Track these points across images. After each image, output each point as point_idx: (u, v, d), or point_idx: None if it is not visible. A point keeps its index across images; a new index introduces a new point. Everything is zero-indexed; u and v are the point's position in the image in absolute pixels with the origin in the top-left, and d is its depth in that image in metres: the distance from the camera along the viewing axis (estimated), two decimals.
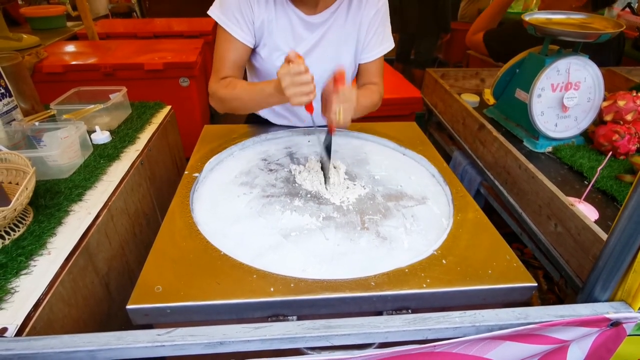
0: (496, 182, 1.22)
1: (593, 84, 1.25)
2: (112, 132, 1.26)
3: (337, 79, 0.92)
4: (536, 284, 0.74)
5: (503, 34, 1.75)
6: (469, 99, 1.60)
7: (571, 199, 0.94)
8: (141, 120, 1.38)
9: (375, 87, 1.21)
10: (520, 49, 1.37)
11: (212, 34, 3.15)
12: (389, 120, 1.46)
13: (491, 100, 1.58)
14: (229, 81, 1.09)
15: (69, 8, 3.28)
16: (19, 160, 0.93)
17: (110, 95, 1.34)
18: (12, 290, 0.72)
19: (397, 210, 0.94)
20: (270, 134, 1.25)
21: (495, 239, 0.85)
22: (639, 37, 2.40)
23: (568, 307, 0.65)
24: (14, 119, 1.16)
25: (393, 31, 1.22)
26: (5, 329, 0.65)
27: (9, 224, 0.83)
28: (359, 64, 1.23)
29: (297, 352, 0.62)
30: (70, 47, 2.60)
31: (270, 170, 1.08)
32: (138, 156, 1.19)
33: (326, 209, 0.93)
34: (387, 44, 1.20)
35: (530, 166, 1.04)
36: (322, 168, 1.02)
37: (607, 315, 0.63)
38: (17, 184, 0.94)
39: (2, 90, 1.13)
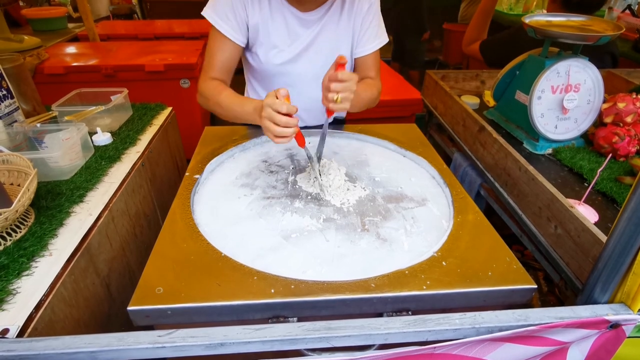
0: (496, 184, 1.22)
1: (593, 86, 1.25)
2: (113, 134, 1.26)
3: (338, 63, 0.91)
4: (536, 286, 0.74)
5: (499, 45, 1.76)
6: (469, 101, 1.60)
7: (571, 201, 0.94)
8: (142, 122, 1.38)
9: (372, 81, 1.23)
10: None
11: None
12: (389, 122, 1.46)
13: (491, 102, 1.58)
14: (216, 84, 1.10)
15: (70, 9, 3.29)
16: (21, 162, 0.93)
17: (111, 97, 1.35)
18: (14, 292, 0.72)
19: (398, 211, 0.94)
20: None
21: (495, 240, 0.85)
22: (639, 39, 2.40)
23: (568, 309, 0.66)
24: (16, 121, 1.17)
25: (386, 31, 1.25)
26: (6, 330, 0.65)
27: (11, 225, 0.83)
28: (355, 59, 1.24)
29: (297, 353, 0.63)
30: (72, 49, 2.60)
31: (271, 171, 1.08)
32: (139, 158, 1.19)
33: (326, 210, 0.93)
34: (382, 38, 1.23)
35: (530, 168, 1.05)
36: (312, 165, 1.02)
37: (607, 317, 0.63)
38: (19, 185, 0.95)
39: (4, 92, 1.13)
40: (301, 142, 0.96)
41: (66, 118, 1.22)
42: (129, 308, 0.66)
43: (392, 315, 0.72)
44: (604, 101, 1.28)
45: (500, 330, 0.62)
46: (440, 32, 4.50)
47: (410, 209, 0.95)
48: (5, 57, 1.21)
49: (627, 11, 2.84)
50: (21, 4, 3.31)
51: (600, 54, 1.68)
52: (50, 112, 1.26)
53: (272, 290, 0.70)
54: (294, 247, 0.82)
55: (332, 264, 0.78)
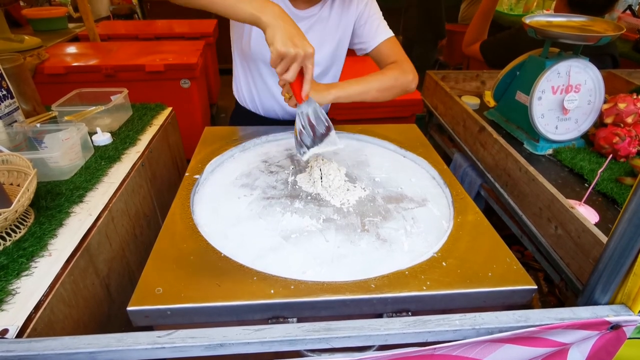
0: (496, 185, 1.22)
1: (594, 87, 1.25)
2: (113, 134, 1.26)
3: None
4: (536, 287, 0.74)
5: (498, 46, 1.77)
6: (470, 101, 1.60)
7: (571, 202, 0.94)
8: (142, 122, 1.38)
9: (392, 65, 1.20)
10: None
11: (212, 36, 3.15)
12: (390, 122, 1.46)
13: (492, 103, 1.58)
14: None
15: (70, 9, 3.29)
16: (20, 162, 0.93)
17: (111, 97, 1.34)
18: (13, 292, 0.72)
19: (398, 212, 0.94)
20: (271, 135, 1.25)
21: (495, 241, 0.85)
22: (639, 40, 2.40)
23: (568, 310, 0.65)
24: (16, 121, 1.16)
25: (395, 34, 1.25)
26: (6, 331, 0.65)
27: (10, 225, 0.83)
28: (369, 53, 1.26)
29: (297, 354, 0.62)
30: (72, 49, 2.60)
31: (271, 172, 1.08)
32: (139, 158, 1.19)
33: (326, 210, 0.93)
34: (386, 30, 1.23)
35: (531, 169, 1.05)
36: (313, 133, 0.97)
37: (607, 318, 0.63)
38: (19, 185, 0.95)
39: (4, 92, 1.13)
40: (299, 97, 0.91)
41: (66, 118, 1.22)
42: (129, 308, 0.66)
43: (392, 316, 0.72)
44: (605, 102, 1.28)
45: (501, 331, 0.62)
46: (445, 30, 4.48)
47: (410, 210, 0.95)
48: (6, 57, 1.21)
49: (628, 11, 2.84)
50: (22, 4, 3.31)
51: (600, 55, 1.68)
52: (50, 112, 1.26)
53: (272, 291, 0.70)
54: (293, 248, 0.82)
55: (332, 264, 0.78)
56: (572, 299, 0.93)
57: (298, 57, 0.82)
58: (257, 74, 1.27)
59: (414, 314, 0.72)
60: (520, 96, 1.32)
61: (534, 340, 0.64)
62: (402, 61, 1.22)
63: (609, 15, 2.88)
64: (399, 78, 1.18)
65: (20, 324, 0.66)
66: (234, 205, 0.94)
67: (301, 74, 0.88)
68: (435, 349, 0.60)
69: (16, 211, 0.80)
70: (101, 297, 0.92)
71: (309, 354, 0.64)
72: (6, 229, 0.82)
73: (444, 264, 0.77)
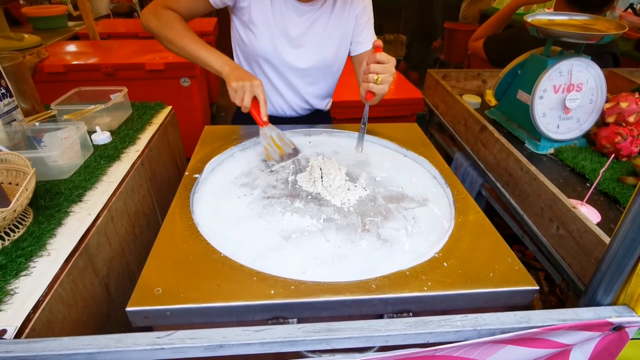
0: (498, 184, 1.21)
1: (595, 86, 1.24)
2: (112, 133, 1.26)
3: (375, 47, 0.97)
4: (538, 287, 0.73)
5: (502, 43, 1.76)
6: (471, 100, 1.59)
7: (573, 202, 0.93)
8: (142, 121, 1.38)
9: None
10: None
11: (213, 34, 3.14)
12: (390, 121, 1.46)
13: (493, 102, 1.57)
14: (179, 17, 1.11)
15: (70, 8, 3.29)
16: (19, 161, 0.93)
17: (111, 96, 1.34)
18: (12, 292, 0.71)
19: (398, 212, 0.94)
20: None
21: (497, 241, 0.84)
22: None
23: (570, 311, 0.65)
24: (15, 119, 1.16)
25: (392, 32, 1.27)
26: (4, 331, 0.64)
27: (9, 225, 0.83)
28: (356, 55, 1.30)
29: (297, 355, 0.62)
30: (72, 47, 2.60)
31: (271, 171, 1.08)
32: (138, 157, 1.18)
33: (327, 210, 0.93)
34: (374, 36, 1.29)
35: (532, 168, 1.04)
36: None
37: (610, 320, 0.63)
38: (17, 184, 0.94)
39: (3, 91, 1.12)
40: (259, 121, 1.06)
41: (65, 117, 1.22)
42: (128, 309, 0.65)
43: (392, 317, 0.72)
44: (607, 101, 1.27)
45: (502, 332, 0.61)
46: (442, 31, 4.49)
47: (411, 209, 0.95)
48: (5, 55, 1.21)
49: (629, 10, 2.82)
50: (21, 2, 3.31)
51: (602, 54, 1.68)
52: (50, 111, 1.26)
53: (272, 291, 0.69)
54: (294, 248, 0.81)
55: (333, 264, 0.78)
56: (573, 298, 0.93)
57: (246, 87, 1.01)
58: (260, 71, 1.27)
59: (415, 314, 0.72)
60: (521, 95, 1.32)
61: (536, 341, 0.63)
62: None
63: (610, 13, 2.87)
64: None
65: (19, 324, 0.66)
66: (233, 205, 0.94)
67: (257, 102, 1.05)
68: (436, 350, 0.59)
69: (15, 211, 0.79)
70: (100, 297, 0.92)
71: (310, 354, 0.63)
72: (5, 228, 0.82)
73: (445, 264, 0.77)
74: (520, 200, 1.10)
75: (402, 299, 0.71)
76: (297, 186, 1.01)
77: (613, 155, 1.10)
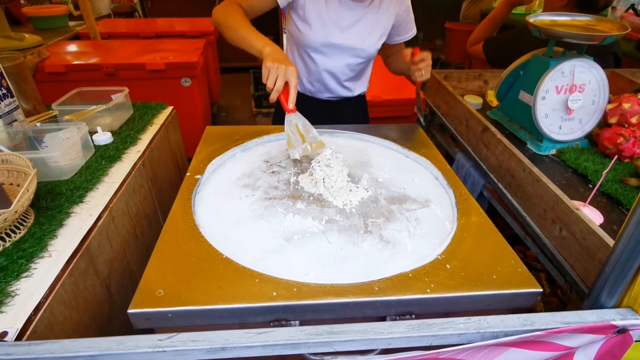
0: (500, 185, 1.21)
1: (598, 87, 1.24)
2: (113, 133, 1.26)
3: (414, 48, 1.27)
4: (541, 290, 0.73)
5: (502, 44, 1.76)
6: (472, 101, 1.59)
7: (576, 203, 0.93)
8: (143, 121, 1.37)
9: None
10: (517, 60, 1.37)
11: (213, 34, 3.14)
12: (391, 121, 1.46)
13: (495, 102, 1.57)
14: (240, 10, 1.20)
15: (71, 7, 3.29)
16: (20, 162, 0.92)
17: (112, 96, 1.34)
18: (13, 294, 0.71)
19: (401, 213, 0.93)
20: (273, 135, 1.24)
21: (499, 243, 0.84)
22: None
23: (574, 313, 0.65)
24: (16, 120, 1.16)
25: None
26: (5, 333, 0.64)
27: (10, 226, 0.82)
28: (393, 44, 1.47)
29: (300, 357, 0.62)
30: (72, 47, 2.60)
31: (273, 172, 1.07)
32: (140, 157, 1.18)
33: (329, 212, 0.92)
34: (413, 30, 1.47)
35: (535, 169, 1.04)
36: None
37: (614, 322, 0.63)
38: (18, 185, 0.94)
39: (4, 91, 1.12)
40: (286, 107, 1.05)
41: (66, 117, 1.21)
42: (129, 311, 0.65)
43: (395, 319, 0.71)
44: (609, 102, 1.27)
45: (506, 335, 0.61)
46: (442, 31, 4.50)
47: (414, 211, 0.94)
48: (6, 55, 1.20)
49: (631, 11, 2.82)
50: (22, 2, 3.30)
51: (603, 54, 1.67)
52: (51, 111, 1.26)
53: (274, 293, 0.69)
54: (296, 249, 0.81)
55: (335, 266, 0.77)
56: (575, 300, 0.92)
57: (280, 69, 1.00)
58: (309, 58, 1.39)
59: (418, 317, 0.71)
60: (523, 96, 1.31)
61: (539, 344, 0.63)
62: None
63: (612, 14, 2.87)
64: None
65: (20, 326, 0.66)
66: (235, 206, 0.94)
67: (287, 88, 1.04)
68: (439, 352, 0.59)
69: (16, 212, 0.79)
70: (102, 299, 0.92)
71: (312, 357, 0.63)
72: (6, 229, 0.81)
73: (448, 266, 0.77)
74: (523, 202, 1.10)
75: (404, 301, 0.70)
76: (299, 187, 1.01)
77: (616, 156, 1.09)
